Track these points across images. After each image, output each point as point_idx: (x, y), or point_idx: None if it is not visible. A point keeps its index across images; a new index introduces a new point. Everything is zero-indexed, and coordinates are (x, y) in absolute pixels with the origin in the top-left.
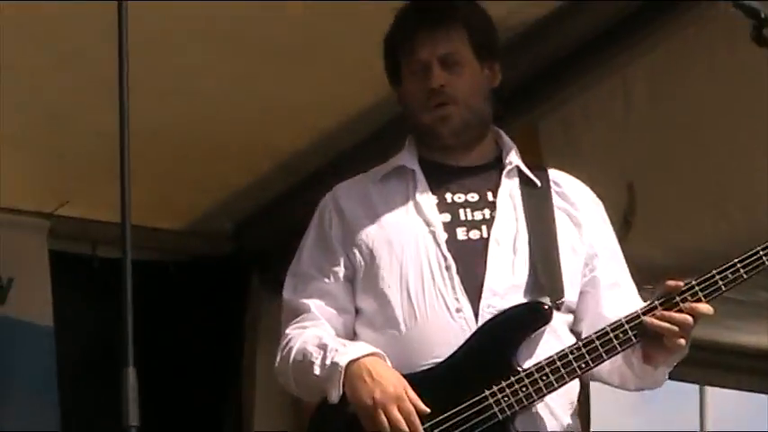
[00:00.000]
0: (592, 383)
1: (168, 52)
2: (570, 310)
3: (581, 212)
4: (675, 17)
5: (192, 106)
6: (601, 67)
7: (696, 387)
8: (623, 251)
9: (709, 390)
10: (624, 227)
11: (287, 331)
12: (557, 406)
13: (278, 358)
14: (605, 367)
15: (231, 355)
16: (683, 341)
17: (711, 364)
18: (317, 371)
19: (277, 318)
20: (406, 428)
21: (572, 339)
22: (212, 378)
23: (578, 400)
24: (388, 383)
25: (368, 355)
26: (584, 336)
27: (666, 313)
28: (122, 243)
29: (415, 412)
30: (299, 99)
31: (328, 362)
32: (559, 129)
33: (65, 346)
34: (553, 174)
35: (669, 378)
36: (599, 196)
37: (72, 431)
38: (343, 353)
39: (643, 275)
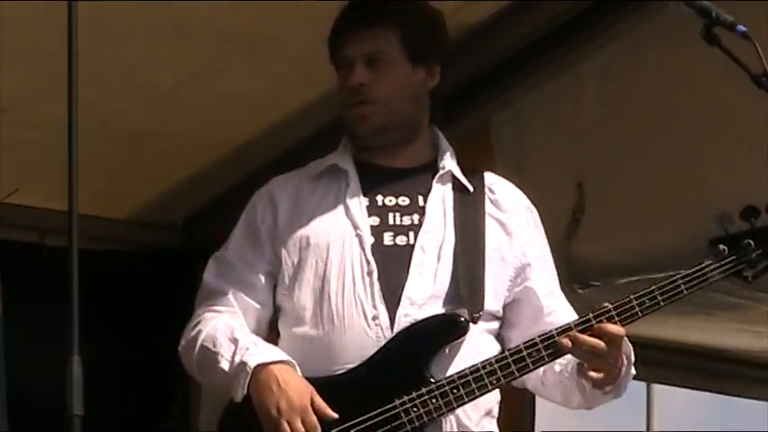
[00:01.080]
0: None
1: (121, 47)
2: (496, 318)
3: (513, 221)
4: (627, 15)
5: (144, 99)
6: (553, 64)
7: (643, 385)
8: (572, 248)
9: (656, 388)
10: (572, 224)
11: (198, 311)
12: (469, 419)
13: (184, 338)
14: (545, 383)
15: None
16: (592, 372)
17: (658, 363)
18: (224, 365)
19: None
20: None
21: (492, 350)
22: (158, 369)
23: (501, 407)
24: (295, 394)
25: (278, 362)
26: (513, 343)
27: (580, 336)
28: (69, 231)
29: (318, 426)
30: (250, 92)
31: (237, 359)
32: (511, 125)
33: (12, 335)
34: (489, 178)
35: None
36: (549, 193)
37: (18, 421)
38: (254, 353)
39: (591, 272)
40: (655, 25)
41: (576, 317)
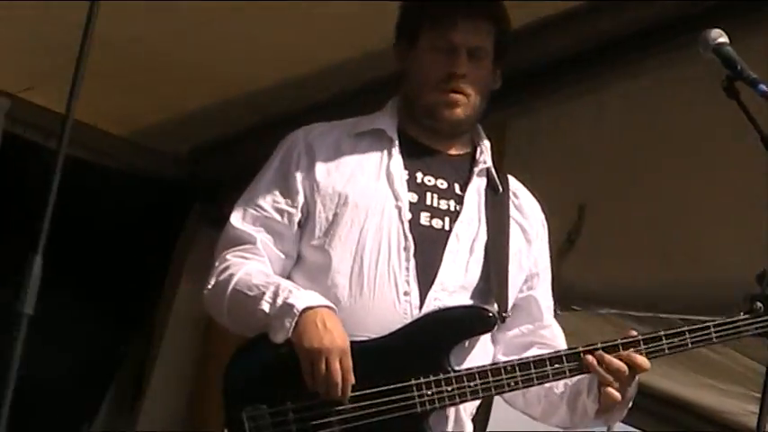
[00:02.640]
0: None
1: None
2: None
3: (533, 230)
4: (662, 52)
5: (177, 25)
6: (580, 83)
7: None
8: (561, 269)
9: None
10: (566, 245)
11: (227, 256)
12: (465, 415)
13: (211, 282)
14: (526, 396)
15: (153, 278)
16: (613, 391)
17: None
18: (265, 307)
19: (207, 253)
20: (340, 382)
21: (491, 352)
22: (126, 297)
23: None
24: (338, 336)
25: (324, 306)
26: (499, 345)
27: (605, 356)
28: (60, 132)
29: (352, 370)
30: (282, 40)
31: (280, 301)
32: (527, 134)
33: None
34: (513, 183)
35: None
36: (550, 209)
37: None
38: (299, 297)
39: (574, 297)
40: (688, 66)
41: (562, 335)
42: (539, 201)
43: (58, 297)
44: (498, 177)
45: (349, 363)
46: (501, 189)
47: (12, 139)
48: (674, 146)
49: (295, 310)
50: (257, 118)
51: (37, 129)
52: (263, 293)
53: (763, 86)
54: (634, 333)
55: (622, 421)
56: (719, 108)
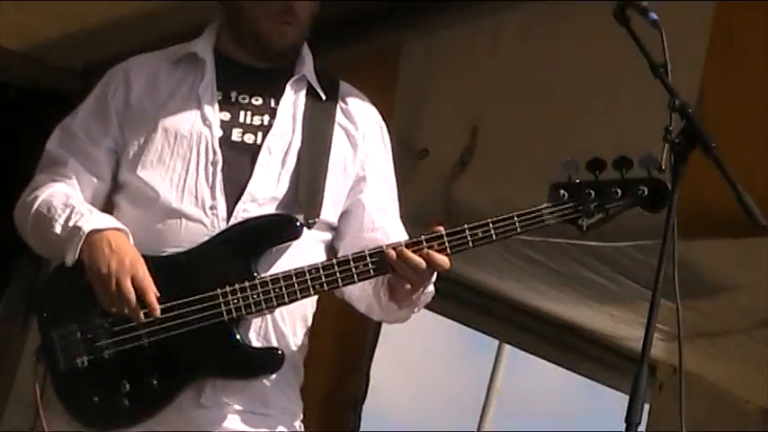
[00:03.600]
0: None
1: None
2: (331, 228)
3: (360, 133)
4: None
5: None
6: (475, 7)
7: (495, 342)
8: (452, 191)
9: (508, 349)
10: (458, 166)
11: (37, 177)
12: (284, 323)
13: (20, 202)
14: (354, 293)
15: None
16: (408, 286)
17: (513, 323)
18: (57, 229)
19: None
20: (133, 300)
21: (321, 257)
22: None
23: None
24: (126, 256)
25: (112, 228)
26: (341, 254)
27: (406, 252)
28: None
29: (150, 289)
30: None
31: (71, 224)
32: (422, 55)
33: None
34: (344, 89)
35: (471, 327)
36: (443, 130)
37: None
38: (89, 219)
39: (464, 217)
40: None
41: (406, 237)
42: (376, 107)
43: None
44: (322, 85)
45: (144, 280)
46: (325, 97)
47: None
48: (567, 71)
49: (81, 233)
50: (153, 34)
51: None
52: (60, 216)
53: (653, 14)
54: (440, 228)
55: (516, 345)
56: (615, 35)
